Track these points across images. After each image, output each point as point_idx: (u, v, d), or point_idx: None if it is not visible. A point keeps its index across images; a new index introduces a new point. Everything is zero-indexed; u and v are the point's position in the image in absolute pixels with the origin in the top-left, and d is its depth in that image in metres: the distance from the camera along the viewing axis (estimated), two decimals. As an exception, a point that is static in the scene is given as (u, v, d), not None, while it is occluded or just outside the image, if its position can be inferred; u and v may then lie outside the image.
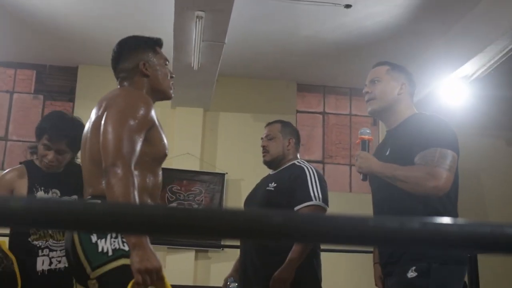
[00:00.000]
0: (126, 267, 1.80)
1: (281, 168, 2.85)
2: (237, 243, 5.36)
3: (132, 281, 1.72)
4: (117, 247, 1.86)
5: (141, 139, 1.93)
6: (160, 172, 2.10)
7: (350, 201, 6.57)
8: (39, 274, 2.47)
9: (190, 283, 5.88)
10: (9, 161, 6.39)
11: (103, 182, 1.85)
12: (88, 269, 1.86)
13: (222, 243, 5.91)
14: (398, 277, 1.95)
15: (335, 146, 7.07)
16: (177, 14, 4.55)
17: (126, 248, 1.83)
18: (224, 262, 6.01)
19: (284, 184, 2.70)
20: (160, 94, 2.20)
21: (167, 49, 5.33)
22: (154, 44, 2.26)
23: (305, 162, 2.86)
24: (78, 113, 6.46)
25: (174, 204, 6.14)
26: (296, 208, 2.61)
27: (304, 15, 5.33)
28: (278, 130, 2.92)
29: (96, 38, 5.77)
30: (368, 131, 2.24)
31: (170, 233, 0.45)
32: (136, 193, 1.79)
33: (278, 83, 6.89)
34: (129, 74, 2.16)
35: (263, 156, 2.92)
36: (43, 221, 0.50)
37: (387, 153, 2.12)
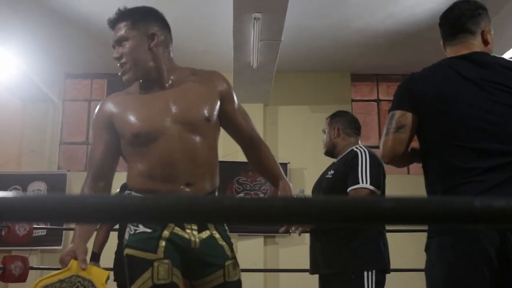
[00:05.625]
0: (126, 257, 1.79)
1: (340, 156, 2.80)
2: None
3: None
4: (125, 236, 1.82)
5: (96, 145, 1.90)
6: (160, 147, 1.78)
7: (408, 183, 6.43)
8: None
9: (261, 267, 5.93)
10: (91, 162, 6.65)
11: None
12: None
13: (288, 229, 5.93)
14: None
15: (390, 131, 6.95)
16: (235, 17, 4.58)
17: (127, 237, 1.80)
18: (291, 246, 6.04)
19: (340, 171, 2.65)
20: None
21: (227, 50, 5.42)
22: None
23: (362, 147, 2.72)
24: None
25: (241, 194, 6.20)
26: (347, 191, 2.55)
27: (354, 7, 5.24)
28: (327, 123, 2.92)
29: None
30: None
31: (284, 222, 0.45)
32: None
33: (332, 75, 6.82)
34: None
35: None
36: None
37: None
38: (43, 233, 5.90)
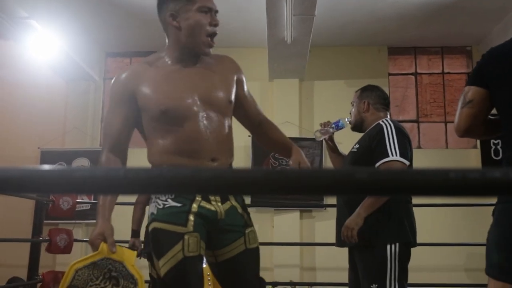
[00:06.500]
0: (154, 231, 1.81)
1: (366, 130, 2.78)
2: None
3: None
4: (151, 211, 1.85)
5: (115, 117, 1.87)
6: (188, 124, 1.82)
7: (447, 156, 6.32)
8: None
9: (297, 240, 5.97)
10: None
11: None
12: None
13: (324, 203, 5.94)
14: None
15: (430, 104, 6.80)
16: (268, -8, 4.54)
17: (155, 211, 1.82)
18: (327, 220, 6.04)
19: (365, 145, 2.63)
20: (194, 46, 1.86)
21: (262, 26, 5.39)
22: None
23: (388, 120, 2.69)
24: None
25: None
26: (376, 165, 2.52)
27: (390, -21, 5.11)
28: (357, 96, 2.87)
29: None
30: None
31: (269, 193, 0.46)
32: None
33: (369, 49, 6.69)
34: (164, 27, 1.91)
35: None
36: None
37: None
38: (87, 207, 6.11)
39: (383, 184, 0.42)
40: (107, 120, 1.90)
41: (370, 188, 0.42)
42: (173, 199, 1.81)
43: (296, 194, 0.40)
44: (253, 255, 1.90)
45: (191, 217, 1.79)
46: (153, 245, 1.81)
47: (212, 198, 1.86)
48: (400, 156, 2.50)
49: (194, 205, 1.81)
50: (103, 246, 1.77)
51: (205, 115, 1.84)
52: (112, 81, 1.91)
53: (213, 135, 1.85)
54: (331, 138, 3.04)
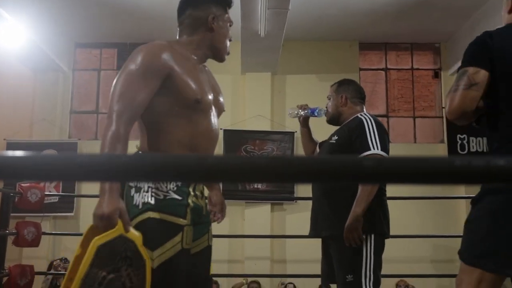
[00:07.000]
0: (150, 220, 1.76)
1: (344, 123, 2.80)
2: (309, 194, 5.42)
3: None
4: (145, 200, 1.78)
5: (143, 88, 1.75)
6: (206, 120, 1.89)
7: (415, 151, 6.44)
8: None
9: (268, 233, 6.00)
10: (101, 131, 6.68)
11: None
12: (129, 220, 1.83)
13: (295, 196, 5.98)
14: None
15: (398, 100, 6.91)
16: (242, -15, 4.52)
17: (153, 201, 1.77)
18: (297, 213, 6.09)
19: (344, 136, 2.66)
20: (215, 52, 2.00)
21: (235, 19, 5.36)
22: (226, 3, 2.04)
23: (367, 114, 2.71)
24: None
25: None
26: None
27: (363, -25, 5.15)
28: (334, 90, 2.88)
29: (171, 16, 5.81)
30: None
31: (268, 181, 0.46)
32: (122, 147, 1.65)
33: (340, 44, 6.75)
34: (195, 23, 1.97)
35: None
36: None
37: None
38: (55, 200, 5.99)
39: (391, 171, 0.43)
40: (133, 88, 1.75)
41: (377, 175, 0.43)
42: (175, 192, 1.81)
43: (301, 182, 0.40)
44: (210, 253, 1.97)
45: (189, 211, 1.82)
46: (148, 235, 1.75)
47: (198, 194, 1.89)
48: (381, 149, 2.53)
49: (190, 200, 1.84)
50: (119, 223, 1.67)
51: (215, 117, 1.96)
52: (146, 50, 1.82)
53: (216, 135, 1.99)
54: (306, 124, 3.05)
